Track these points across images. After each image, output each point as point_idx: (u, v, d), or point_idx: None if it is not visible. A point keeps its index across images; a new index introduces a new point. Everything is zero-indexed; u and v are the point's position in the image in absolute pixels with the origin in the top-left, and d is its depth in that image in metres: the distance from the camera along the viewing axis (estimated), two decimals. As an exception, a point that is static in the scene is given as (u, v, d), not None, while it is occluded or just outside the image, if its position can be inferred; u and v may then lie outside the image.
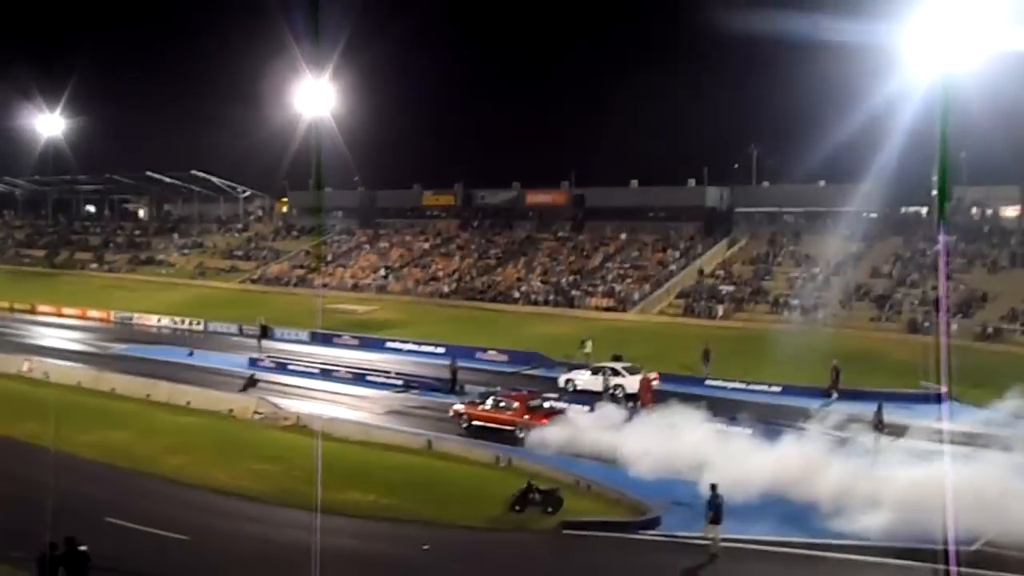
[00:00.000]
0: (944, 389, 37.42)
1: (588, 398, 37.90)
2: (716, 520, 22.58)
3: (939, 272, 56.98)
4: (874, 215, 69.36)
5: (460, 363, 43.41)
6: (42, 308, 69.37)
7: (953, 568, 19.28)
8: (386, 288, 75.78)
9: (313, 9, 50.36)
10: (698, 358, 44.57)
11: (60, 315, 67.74)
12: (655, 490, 26.47)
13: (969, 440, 30.38)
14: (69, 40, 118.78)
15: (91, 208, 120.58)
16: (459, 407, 35.74)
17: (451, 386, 41.49)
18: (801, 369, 41.92)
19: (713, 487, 23.15)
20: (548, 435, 31.38)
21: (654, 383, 39.42)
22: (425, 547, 22.93)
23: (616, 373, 40.33)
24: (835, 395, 39.46)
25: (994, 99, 45.69)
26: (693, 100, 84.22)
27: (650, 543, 23.55)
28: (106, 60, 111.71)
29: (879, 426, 32.05)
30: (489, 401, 34.94)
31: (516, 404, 34.11)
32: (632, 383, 39.40)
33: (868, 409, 33.74)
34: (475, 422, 34.62)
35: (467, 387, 41.16)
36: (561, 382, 41.74)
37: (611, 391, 39.12)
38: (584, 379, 41.15)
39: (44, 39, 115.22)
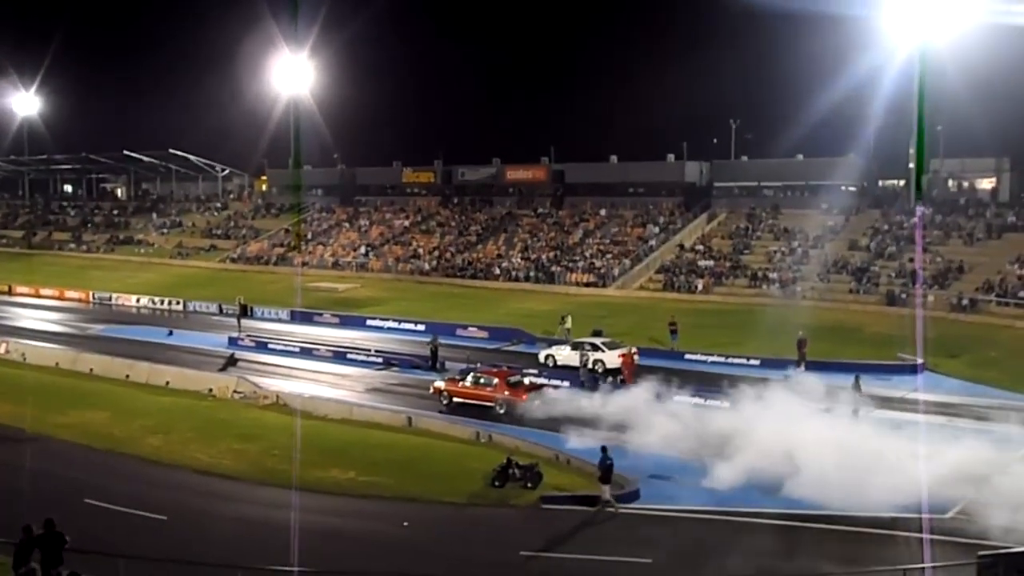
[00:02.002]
0: (919, 360, 37.88)
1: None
2: (606, 480, 23.68)
3: (916, 244, 57.40)
4: (852, 188, 69.70)
5: (441, 340, 43.37)
6: (19, 289, 68.82)
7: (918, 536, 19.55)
8: (366, 266, 75.70)
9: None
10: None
11: (38, 296, 67.22)
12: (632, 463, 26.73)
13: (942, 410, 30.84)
14: (43, 17, 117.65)
15: (68, 188, 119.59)
16: (440, 384, 35.80)
17: (432, 363, 41.50)
18: (779, 342, 42.14)
19: (604, 449, 24.31)
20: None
21: (635, 358, 39.63)
22: (405, 524, 23.06)
23: (596, 348, 40.46)
24: (801, 367, 39.66)
25: (969, 72, 45.90)
26: (672, 75, 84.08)
27: (629, 516, 23.70)
28: (81, 38, 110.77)
29: (857, 396, 32.28)
30: (469, 378, 35.01)
31: (496, 380, 34.21)
32: (611, 358, 39.57)
33: (837, 380, 34.21)
34: (456, 399, 34.71)
35: (448, 364, 41.18)
36: (541, 358, 41.83)
37: (591, 366, 39.23)
38: (564, 354, 41.24)
39: (18, 16, 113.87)
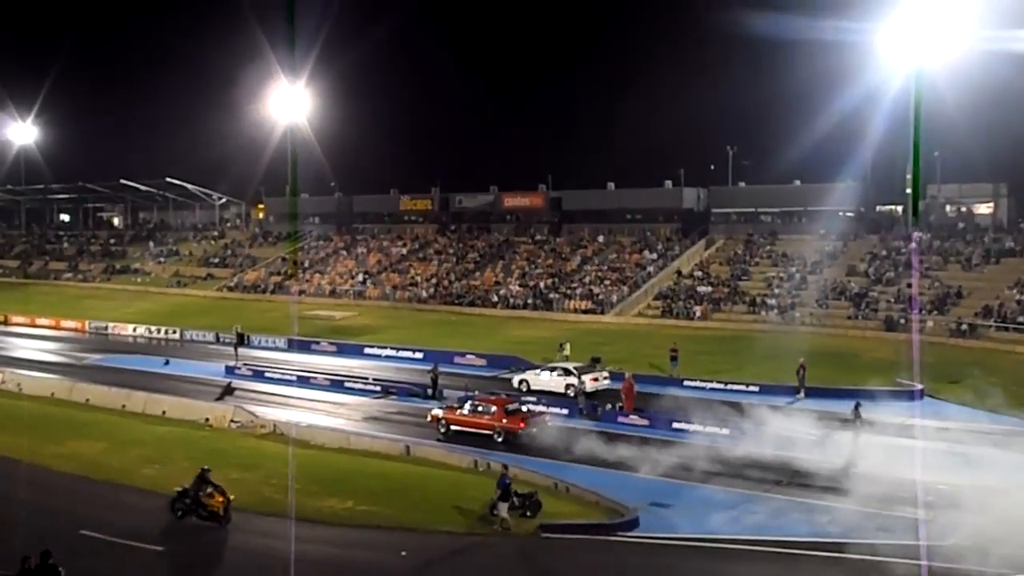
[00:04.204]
0: (918, 386, 37.76)
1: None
2: (504, 498, 24.34)
3: (913, 270, 57.38)
4: (850, 214, 69.84)
5: (441, 368, 43.08)
6: (15, 319, 68.59)
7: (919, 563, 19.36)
8: (364, 294, 75.56)
9: (288, 14, 50.25)
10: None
11: (34, 326, 67.02)
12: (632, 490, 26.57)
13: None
14: (41, 47, 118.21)
15: (65, 217, 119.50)
16: (437, 412, 35.60)
17: (432, 391, 41.13)
18: (778, 368, 42.05)
19: (505, 467, 25.65)
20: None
21: (605, 384, 40.24)
22: (404, 553, 22.84)
23: (568, 373, 40.85)
24: (802, 393, 39.55)
25: (966, 98, 46.11)
26: (669, 102, 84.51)
27: (629, 544, 23.50)
28: (79, 67, 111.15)
29: (857, 422, 32.11)
30: (467, 406, 34.83)
31: (494, 408, 34.05)
32: (585, 382, 39.91)
33: (836, 406, 34.23)
34: (453, 427, 34.53)
35: (447, 392, 40.92)
36: (515, 383, 42.07)
37: (580, 391, 39.23)
38: (537, 379, 41.59)
39: (15, 46, 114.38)
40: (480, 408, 34.34)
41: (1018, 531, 21.46)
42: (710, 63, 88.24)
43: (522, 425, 33.18)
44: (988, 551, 20.73)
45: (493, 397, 36.00)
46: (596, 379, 40.40)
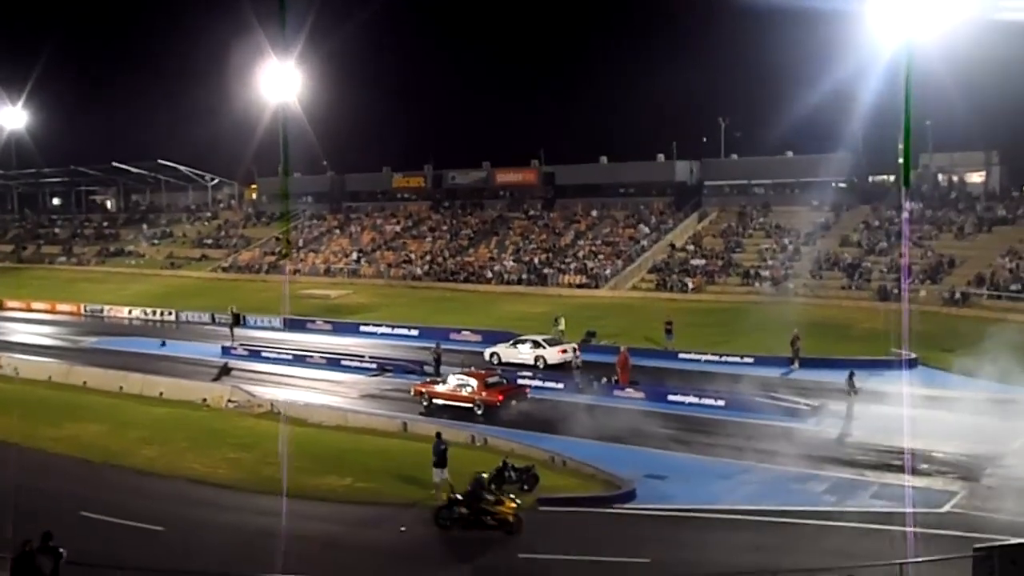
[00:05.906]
0: (912, 355, 37.97)
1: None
2: (440, 464, 24.74)
3: (904, 239, 57.44)
4: (842, 184, 69.88)
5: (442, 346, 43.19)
6: (10, 303, 68.53)
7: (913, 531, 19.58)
8: (358, 272, 75.60)
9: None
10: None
11: (29, 310, 66.97)
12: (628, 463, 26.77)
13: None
14: (30, 30, 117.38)
15: (57, 201, 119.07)
16: (420, 387, 35.97)
17: (435, 370, 40.90)
18: (773, 339, 42.25)
19: (439, 435, 25.83)
20: None
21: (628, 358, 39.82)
22: (402, 529, 23.00)
23: (538, 345, 41.62)
24: (796, 364, 39.76)
25: (958, 67, 45.96)
26: (660, 74, 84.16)
27: (626, 516, 23.70)
28: (68, 50, 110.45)
29: (851, 391, 32.30)
30: (449, 379, 35.17)
31: (474, 381, 34.40)
32: (552, 354, 40.80)
33: (831, 376, 34.40)
34: (435, 400, 34.93)
35: (444, 369, 40.94)
36: (486, 356, 42.58)
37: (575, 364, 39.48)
38: (507, 352, 42.18)
39: (4, 30, 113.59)
40: (460, 382, 34.65)
41: (1012, 497, 21.70)
42: (701, 35, 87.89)
43: (500, 398, 33.69)
44: (982, 517, 20.99)
45: (473, 371, 36.35)
46: (564, 351, 40.99)
